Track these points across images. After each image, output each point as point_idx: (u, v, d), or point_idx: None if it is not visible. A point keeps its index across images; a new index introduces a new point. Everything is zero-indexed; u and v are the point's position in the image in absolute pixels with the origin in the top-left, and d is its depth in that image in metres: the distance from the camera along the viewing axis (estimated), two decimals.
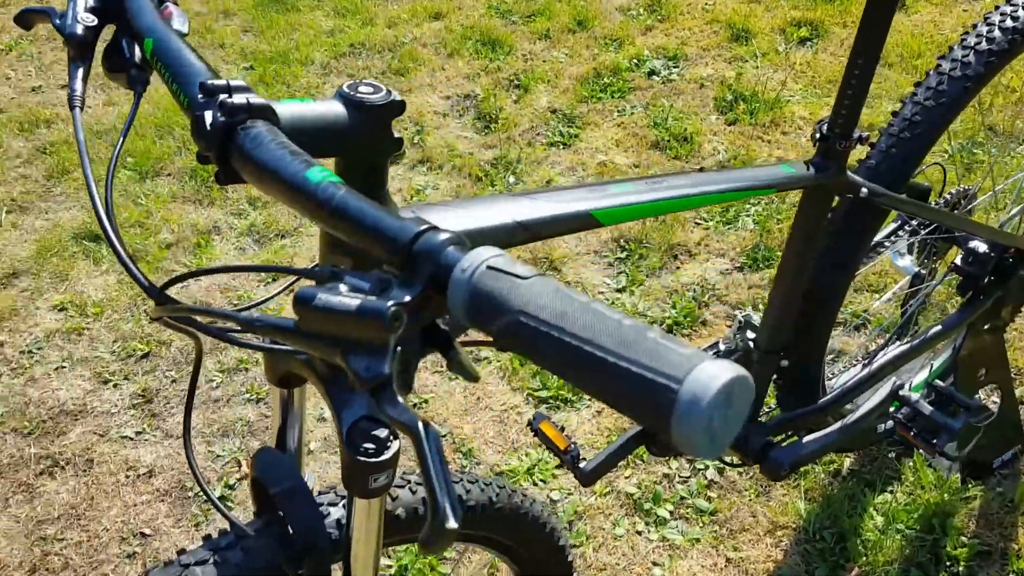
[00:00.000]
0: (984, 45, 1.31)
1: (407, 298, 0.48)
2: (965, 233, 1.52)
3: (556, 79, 3.14)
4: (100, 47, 0.83)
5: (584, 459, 1.40)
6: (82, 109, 0.75)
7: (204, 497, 1.87)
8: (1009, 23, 1.33)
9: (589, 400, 2.02)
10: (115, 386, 2.17)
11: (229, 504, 1.88)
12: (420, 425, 0.47)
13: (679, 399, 0.38)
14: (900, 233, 1.55)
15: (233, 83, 0.64)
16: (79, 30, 0.78)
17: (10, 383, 2.20)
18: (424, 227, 0.51)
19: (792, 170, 1.12)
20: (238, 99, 0.62)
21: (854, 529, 1.72)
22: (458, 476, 1.03)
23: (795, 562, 1.69)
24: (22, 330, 2.38)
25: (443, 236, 0.50)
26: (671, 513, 1.79)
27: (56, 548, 1.84)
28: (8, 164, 3.04)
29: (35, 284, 2.51)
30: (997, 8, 1.37)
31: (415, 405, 2.03)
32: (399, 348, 0.49)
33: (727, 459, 1.43)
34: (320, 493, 0.93)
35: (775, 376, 1.45)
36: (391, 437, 0.78)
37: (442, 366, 2.13)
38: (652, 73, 3.11)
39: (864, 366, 1.46)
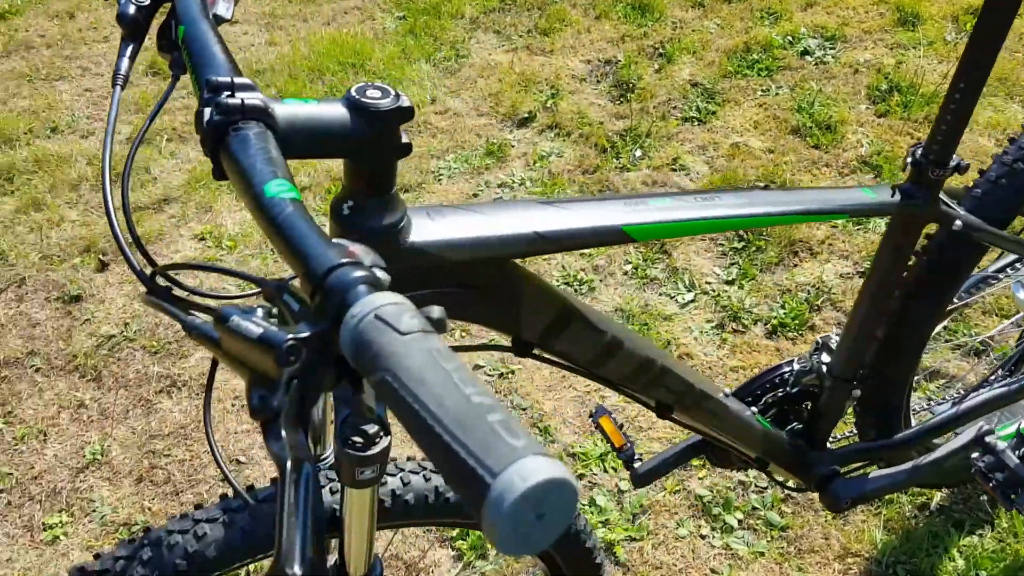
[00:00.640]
0: None
1: (306, 334, 0.48)
2: None
3: (703, 51, 3.02)
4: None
5: (640, 459, 1.38)
6: (123, 88, 0.78)
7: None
8: None
9: None
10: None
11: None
12: (288, 465, 0.47)
13: (490, 492, 0.37)
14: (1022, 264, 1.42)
15: (238, 81, 0.65)
16: (131, 10, 0.81)
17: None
18: (341, 262, 0.50)
19: (873, 195, 1.04)
20: (234, 99, 0.63)
21: (931, 568, 1.61)
22: None
23: None
24: (164, 254, 2.55)
25: (356, 274, 0.49)
26: (740, 522, 1.73)
27: (162, 463, 1.99)
28: (176, 95, 3.25)
29: (182, 212, 2.69)
30: None
31: (501, 375, 2.05)
32: (296, 381, 0.49)
33: (789, 482, 1.37)
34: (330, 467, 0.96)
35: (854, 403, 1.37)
36: (381, 433, 0.79)
37: None
38: (805, 53, 2.94)
39: (954, 404, 1.36)
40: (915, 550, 1.64)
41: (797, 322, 2.08)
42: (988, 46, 0.97)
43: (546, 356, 0.93)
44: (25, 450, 2.02)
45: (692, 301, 2.17)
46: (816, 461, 1.32)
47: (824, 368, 1.27)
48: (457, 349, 0.90)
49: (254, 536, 0.89)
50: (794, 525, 1.72)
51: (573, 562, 1.20)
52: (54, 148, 2.93)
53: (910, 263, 1.23)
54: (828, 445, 1.35)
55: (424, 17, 3.39)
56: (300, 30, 3.51)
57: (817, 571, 1.65)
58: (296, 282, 0.61)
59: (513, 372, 2.06)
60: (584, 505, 1.78)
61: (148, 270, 0.69)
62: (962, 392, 1.46)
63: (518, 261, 0.87)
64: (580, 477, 1.83)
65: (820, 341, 1.31)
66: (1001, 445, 1.27)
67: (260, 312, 0.50)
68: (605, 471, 1.83)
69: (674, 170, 2.55)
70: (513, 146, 2.73)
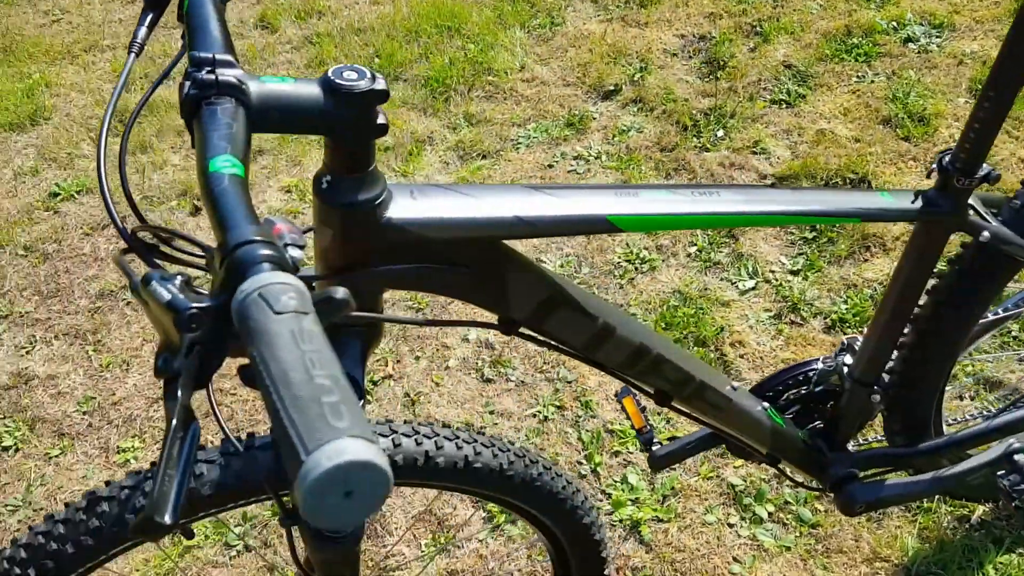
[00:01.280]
0: None
1: (206, 304, 0.52)
2: None
3: (801, 31, 2.92)
4: None
5: (658, 443, 1.40)
6: (138, 55, 0.83)
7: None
8: None
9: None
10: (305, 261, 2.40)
11: (369, 398, 2.05)
12: (175, 423, 0.51)
13: (302, 468, 0.41)
14: None
15: (219, 58, 0.69)
16: None
17: None
18: (249, 239, 0.53)
19: (891, 200, 1.01)
20: (209, 75, 0.67)
21: None
22: (471, 436, 1.07)
23: None
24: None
25: (261, 251, 0.52)
26: (769, 514, 1.72)
27: (227, 400, 2.11)
28: (279, 48, 3.37)
29: (272, 164, 2.80)
30: None
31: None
32: (198, 347, 0.53)
33: (807, 481, 1.36)
34: None
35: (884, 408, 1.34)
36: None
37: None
38: (909, 40, 2.81)
39: (986, 418, 1.31)
40: (947, 561, 1.60)
41: (858, 319, 2.02)
42: None
43: (535, 337, 0.95)
44: (109, 377, 2.18)
45: (752, 289, 2.14)
46: (834, 462, 1.30)
47: (845, 370, 1.25)
48: (440, 324, 0.93)
49: (246, 480, 0.95)
50: (825, 524, 1.70)
51: (573, 538, 1.23)
52: (164, 94, 3.09)
53: (944, 270, 1.20)
54: (849, 447, 1.33)
55: None
56: None
57: (843, 572, 1.63)
58: None
59: None
60: (616, 482, 1.80)
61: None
62: (998, 407, 1.40)
63: (509, 243, 0.89)
64: (615, 455, 1.85)
65: (846, 342, 1.28)
66: None
67: (179, 279, 0.54)
68: (641, 451, 1.85)
69: (754, 153, 2.50)
70: (594, 119, 2.72)
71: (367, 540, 1.76)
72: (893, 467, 1.34)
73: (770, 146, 2.51)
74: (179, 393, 0.51)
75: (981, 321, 1.26)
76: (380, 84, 0.71)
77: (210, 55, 0.69)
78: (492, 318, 0.95)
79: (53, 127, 3.05)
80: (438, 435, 1.06)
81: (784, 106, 2.65)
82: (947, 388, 1.37)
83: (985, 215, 1.06)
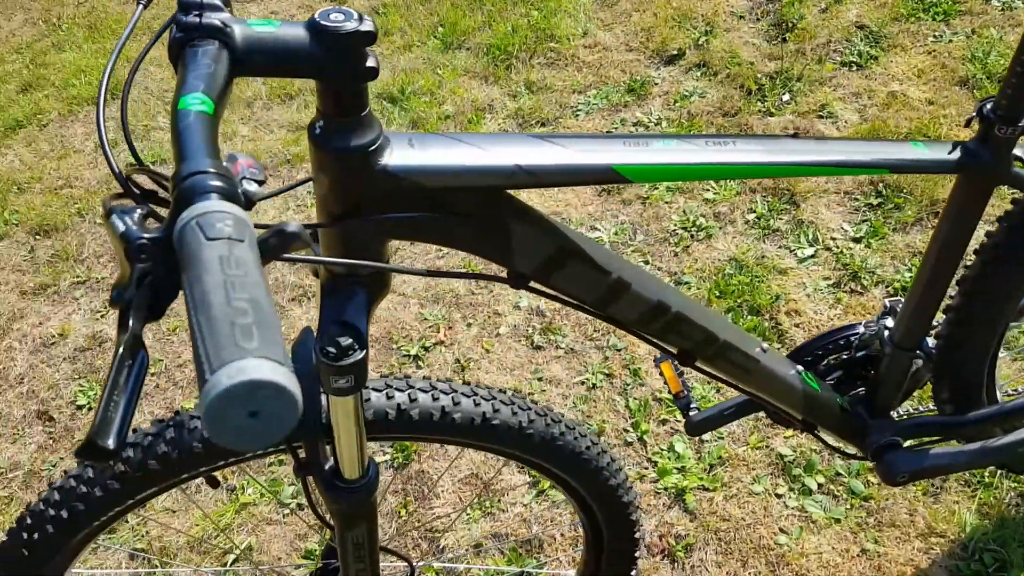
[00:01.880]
0: None
1: (155, 235, 0.52)
2: None
3: None
4: None
5: (696, 408, 1.37)
6: (146, 7, 0.84)
7: (403, 353, 2.08)
8: None
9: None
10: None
11: (420, 363, 2.07)
12: (122, 351, 0.51)
13: (205, 386, 0.41)
14: None
15: (207, 1, 0.70)
16: None
17: (280, 216, 2.55)
18: (199, 169, 0.53)
19: (925, 151, 0.96)
20: (193, 18, 0.68)
21: (1022, 559, 1.50)
22: (489, 394, 1.07)
23: (938, 575, 1.52)
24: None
25: (209, 182, 0.52)
26: (819, 486, 1.68)
27: None
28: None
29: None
30: None
31: None
32: (149, 278, 0.53)
33: (846, 449, 1.31)
34: None
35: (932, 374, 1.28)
36: (355, 347, 0.84)
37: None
38: None
39: None
40: (1007, 539, 1.53)
41: None
42: None
43: (545, 291, 0.94)
44: (176, 341, 2.25)
45: (812, 256, 2.07)
46: (875, 429, 1.25)
47: (886, 334, 1.20)
48: (443, 275, 0.93)
49: None
50: (877, 496, 1.64)
51: (600, 499, 1.22)
52: None
53: (993, 228, 1.13)
54: (893, 415, 1.28)
55: None
56: None
57: (895, 546, 1.57)
58: None
59: None
60: (663, 450, 1.78)
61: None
62: None
63: (514, 194, 0.88)
64: (662, 423, 1.83)
65: (888, 305, 1.23)
66: None
67: (138, 212, 0.54)
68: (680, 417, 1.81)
69: (820, 117, 2.41)
70: (656, 84, 2.67)
71: (415, 501, 1.79)
72: (940, 436, 1.28)
73: (837, 109, 2.41)
74: (130, 323, 0.52)
75: None
76: (367, 26, 0.70)
77: None
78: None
79: (131, 100, 3.15)
80: (455, 391, 1.06)
81: (854, 68, 2.54)
82: (1002, 355, 1.30)
83: None
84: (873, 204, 2.15)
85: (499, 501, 1.76)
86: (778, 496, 1.68)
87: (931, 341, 1.23)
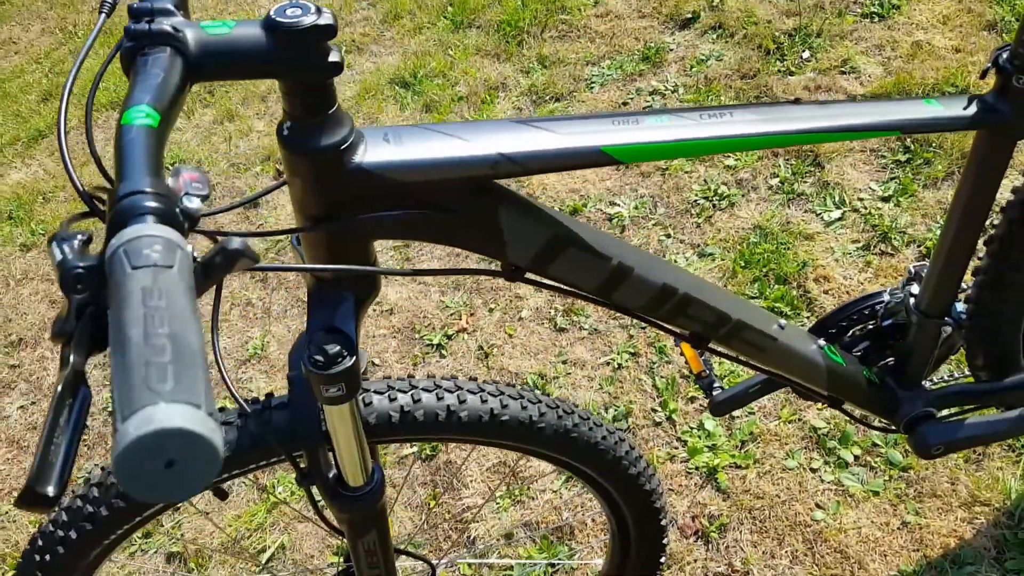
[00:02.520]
0: None
1: (90, 263, 0.49)
2: None
3: None
4: None
5: (720, 388, 1.32)
6: (109, 16, 0.81)
7: (425, 343, 2.06)
8: None
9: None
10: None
11: (443, 352, 2.05)
12: (61, 389, 0.48)
13: (116, 436, 0.38)
14: None
15: (157, 6, 0.66)
16: None
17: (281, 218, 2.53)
18: (133, 190, 0.50)
19: (940, 108, 0.90)
20: (142, 26, 0.65)
21: None
22: (497, 389, 1.04)
23: (983, 545, 1.47)
24: None
25: (143, 203, 0.49)
26: (856, 458, 1.62)
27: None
28: (356, 5, 3.37)
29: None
30: None
31: None
32: (90, 308, 0.50)
33: (876, 422, 1.26)
34: None
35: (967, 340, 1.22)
36: (344, 353, 0.81)
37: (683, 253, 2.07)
38: None
39: None
40: None
41: None
42: None
43: (543, 282, 0.90)
44: None
45: (839, 219, 2.00)
46: (906, 401, 1.20)
47: (912, 301, 1.14)
48: (431, 273, 0.89)
49: (261, 441, 0.95)
50: (917, 466, 1.58)
51: (620, 488, 1.19)
52: None
53: (1019, 183, 1.07)
54: (925, 385, 1.22)
55: None
56: None
57: (937, 517, 1.52)
58: None
59: None
60: (692, 429, 1.74)
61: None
62: None
63: (502, 183, 0.84)
64: (691, 400, 1.78)
65: (912, 271, 1.17)
66: None
67: (79, 239, 0.51)
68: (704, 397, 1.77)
69: (843, 73, 2.33)
70: (671, 50, 2.60)
71: (444, 492, 1.77)
72: (976, 404, 1.22)
73: (860, 64, 2.33)
74: (71, 357, 0.49)
75: None
76: (326, 19, 0.66)
77: (148, 5, 0.66)
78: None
79: (107, 114, 3.15)
80: (461, 388, 1.02)
81: (876, 19, 2.45)
82: None
83: None
84: (901, 161, 2.07)
85: (528, 488, 1.73)
86: (813, 470, 1.63)
87: (961, 306, 1.17)
